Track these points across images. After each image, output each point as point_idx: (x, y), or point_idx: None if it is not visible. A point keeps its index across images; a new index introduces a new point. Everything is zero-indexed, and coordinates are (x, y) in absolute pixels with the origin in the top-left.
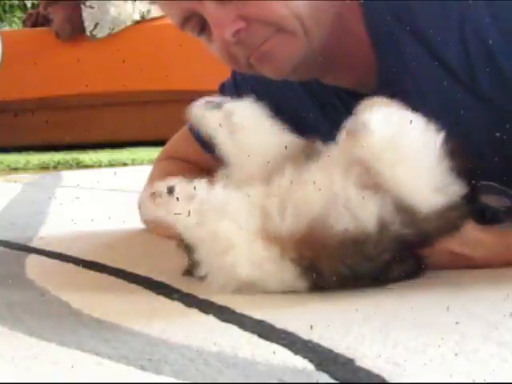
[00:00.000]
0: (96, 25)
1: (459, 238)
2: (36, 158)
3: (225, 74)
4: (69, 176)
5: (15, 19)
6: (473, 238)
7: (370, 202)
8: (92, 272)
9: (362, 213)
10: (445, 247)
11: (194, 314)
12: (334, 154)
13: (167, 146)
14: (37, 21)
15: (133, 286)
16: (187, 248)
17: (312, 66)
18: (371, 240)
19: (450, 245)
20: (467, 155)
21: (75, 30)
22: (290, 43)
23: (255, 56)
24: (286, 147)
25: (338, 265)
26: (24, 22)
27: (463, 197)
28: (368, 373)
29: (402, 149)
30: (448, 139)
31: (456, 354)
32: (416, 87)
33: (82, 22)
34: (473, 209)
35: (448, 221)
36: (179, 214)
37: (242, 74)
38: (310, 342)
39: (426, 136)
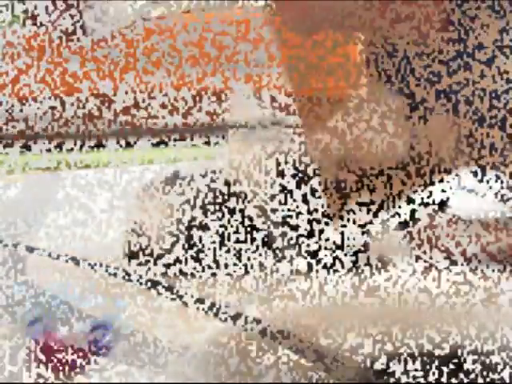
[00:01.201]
0: (96, 24)
1: None
2: (36, 157)
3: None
4: (69, 176)
5: (15, 19)
6: None
7: None
8: (92, 272)
9: None
10: None
11: (195, 315)
12: None
13: None
14: (37, 21)
15: (133, 286)
16: None
17: None
18: None
19: None
20: None
21: (75, 30)
22: None
23: None
24: None
25: None
26: (24, 22)
27: None
28: (368, 372)
29: None
30: None
31: (456, 354)
32: None
33: (82, 22)
34: None
35: None
36: None
37: None
38: (310, 342)
39: None
